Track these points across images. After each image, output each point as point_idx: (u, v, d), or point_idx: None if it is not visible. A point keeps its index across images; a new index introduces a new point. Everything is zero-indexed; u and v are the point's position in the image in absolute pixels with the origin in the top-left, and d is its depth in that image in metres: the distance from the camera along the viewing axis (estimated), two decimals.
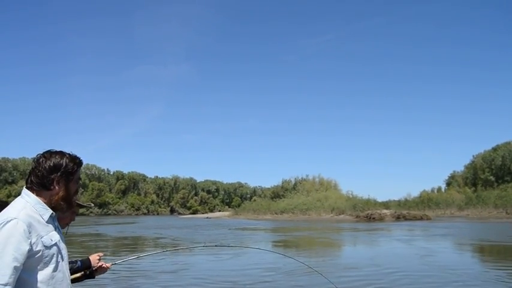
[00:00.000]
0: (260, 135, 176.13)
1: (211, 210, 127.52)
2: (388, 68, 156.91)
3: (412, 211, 57.04)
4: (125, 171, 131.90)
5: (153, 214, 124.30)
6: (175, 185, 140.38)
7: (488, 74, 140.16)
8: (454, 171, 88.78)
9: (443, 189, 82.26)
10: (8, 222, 1.93)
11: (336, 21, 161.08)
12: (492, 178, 76.41)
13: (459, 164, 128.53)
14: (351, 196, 67.60)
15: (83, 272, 2.92)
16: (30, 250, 1.94)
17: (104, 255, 3.08)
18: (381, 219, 51.37)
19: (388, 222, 47.29)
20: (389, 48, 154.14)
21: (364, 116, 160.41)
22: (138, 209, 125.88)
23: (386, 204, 63.66)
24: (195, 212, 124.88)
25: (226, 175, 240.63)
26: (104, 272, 3.04)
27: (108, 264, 3.06)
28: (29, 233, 1.96)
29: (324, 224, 46.00)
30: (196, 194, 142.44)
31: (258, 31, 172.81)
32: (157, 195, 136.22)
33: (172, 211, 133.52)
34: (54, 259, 2.05)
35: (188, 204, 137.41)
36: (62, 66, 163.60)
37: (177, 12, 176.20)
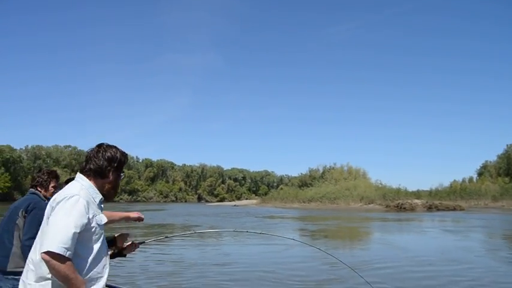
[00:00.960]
0: (287, 123, 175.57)
1: (238, 198, 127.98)
2: (417, 58, 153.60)
3: (444, 201, 55.65)
4: (154, 159, 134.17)
5: (181, 201, 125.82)
6: (202, 173, 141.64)
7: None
8: (487, 161, 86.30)
9: (474, 180, 79.99)
10: (71, 197, 2.25)
11: (361, 10, 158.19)
12: None
13: (491, 153, 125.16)
14: (380, 185, 66.52)
15: (112, 251, 3.03)
16: (88, 224, 2.26)
17: (135, 238, 3.13)
18: (412, 209, 50.30)
19: (420, 213, 46.23)
20: (417, 38, 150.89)
21: (392, 106, 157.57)
22: (166, 196, 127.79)
23: (416, 194, 62.26)
24: (222, 200, 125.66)
25: (253, 163, 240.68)
26: (133, 251, 3.20)
27: (136, 243, 3.19)
28: (88, 209, 2.28)
29: (355, 213, 45.33)
30: (223, 182, 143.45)
31: (284, 20, 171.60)
32: (185, 183, 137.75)
33: (199, 199, 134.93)
34: (101, 238, 2.37)
35: (215, 192, 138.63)
36: (91, 52, 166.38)
37: (204, 0, 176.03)
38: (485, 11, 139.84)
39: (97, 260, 2.31)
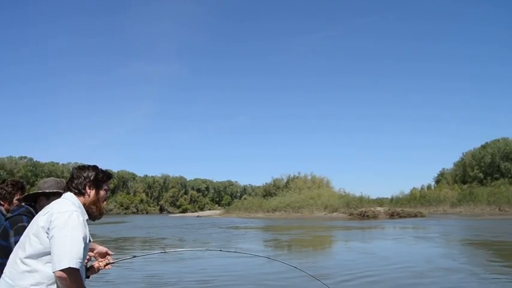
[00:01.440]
0: (251, 133, 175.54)
1: (201, 209, 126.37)
2: (379, 65, 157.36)
3: (405, 208, 56.80)
4: (114, 170, 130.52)
5: (142, 213, 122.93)
6: (164, 184, 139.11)
7: (479, 70, 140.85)
8: (444, 169, 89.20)
9: (432, 187, 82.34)
10: (73, 212, 2.30)
11: (329, 19, 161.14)
12: (481, 175, 76.94)
13: (448, 161, 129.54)
14: (343, 194, 67.27)
15: None
16: (85, 240, 2.31)
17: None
18: (375, 216, 50.99)
19: (383, 220, 46.92)
20: (380, 45, 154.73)
21: (354, 113, 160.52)
22: (127, 208, 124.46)
23: (379, 202, 63.37)
24: (184, 211, 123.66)
25: (216, 173, 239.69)
26: (96, 272, 3.04)
27: (101, 264, 3.04)
28: (84, 226, 2.35)
29: (320, 222, 45.45)
30: (186, 193, 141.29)
31: (250, 29, 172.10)
32: (147, 194, 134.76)
33: (161, 210, 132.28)
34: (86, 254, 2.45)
35: (178, 203, 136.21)
36: (51, 65, 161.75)
37: (169, 10, 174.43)
38: (449, 13, 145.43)
39: (83, 276, 2.37)
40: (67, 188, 2.52)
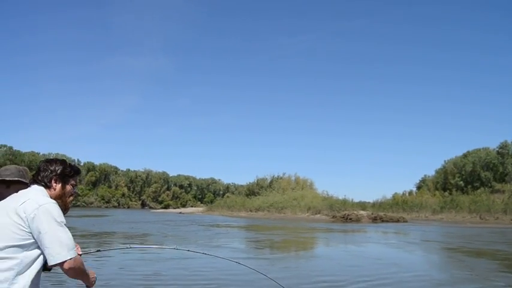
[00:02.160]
0: (235, 131, 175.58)
1: (183, 206, 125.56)
2: (364, 68, 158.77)
3: (388, 213, 57.01)
4: (96, 163, 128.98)
5: (124, 207, 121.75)
6: (147, 179, 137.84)
7: (466, 76, 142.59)
8: (425, 175, 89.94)
9: (414, 193, 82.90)
10: (52, 203, 2.30)
11: (317, 22, 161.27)
12: (462, 183, 77.74)
13: (430, 169, 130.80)
14: (326, 196, 67.32)
15: None
16: None
17: None
18: (358, 220, 51.06)
19: (366, 224, 46.98)
20: (369, 48, 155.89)
21: (339, 116, 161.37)
22: (108, 202, 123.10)
23: (362, 205, 63.52)
24: (166, 207, 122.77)
25: (199, 170, 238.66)
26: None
27: None
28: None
29: (302, 223, 45.30)
30: (168, 189, 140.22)
31: (238, 27, 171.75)
32: (129, 188, 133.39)
33: (143, 205, 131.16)
34: None
35: (160, 199, 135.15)
36: (35, 57, 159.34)
37: (157, 4, 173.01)
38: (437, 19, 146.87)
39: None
40: (33, 181, 2.49)
